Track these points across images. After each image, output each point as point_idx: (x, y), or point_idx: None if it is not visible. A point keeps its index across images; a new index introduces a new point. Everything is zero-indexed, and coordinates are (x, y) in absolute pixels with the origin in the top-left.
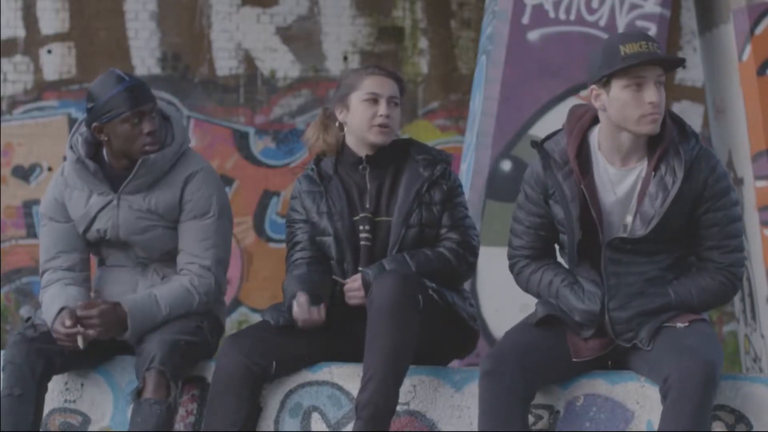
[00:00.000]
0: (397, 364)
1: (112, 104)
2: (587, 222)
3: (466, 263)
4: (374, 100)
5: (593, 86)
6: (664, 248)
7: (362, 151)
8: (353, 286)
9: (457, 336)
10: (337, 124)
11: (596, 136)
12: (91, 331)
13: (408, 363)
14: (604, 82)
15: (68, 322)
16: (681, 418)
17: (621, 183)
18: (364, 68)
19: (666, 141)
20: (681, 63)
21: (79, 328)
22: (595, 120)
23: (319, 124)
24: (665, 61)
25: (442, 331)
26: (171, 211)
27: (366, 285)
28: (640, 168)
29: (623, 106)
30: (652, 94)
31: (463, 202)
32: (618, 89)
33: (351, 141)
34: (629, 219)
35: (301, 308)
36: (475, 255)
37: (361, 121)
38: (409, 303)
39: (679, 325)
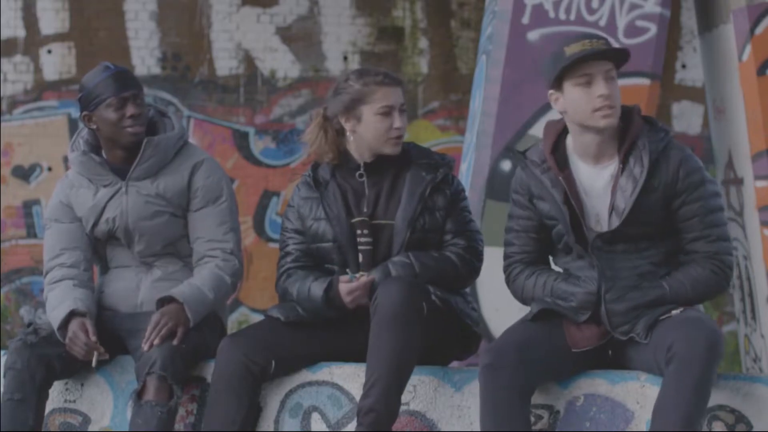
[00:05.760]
0: (401, 371)
1: (97, 91)
2: (571, 215)
3: (471, 268)
4: (388, 112)
5: (551, 91)
6: (651, 244)
7: (363, 158)
8: (351, 287)
9: (460, 340)
10: (344, 131)
11: (570, 140)
12: (108, 356)
13: (411, 370)
14: (557, 85)
15: (94, 337)
16: (684, 387)
17: (596, 181)
18: (372, 77)
19: (633, 135)
20: (625, 55)
21: (99, 346)
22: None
23: (318, 127)
24: (606, 55)
25: (445, 336)
26: (179, 197)
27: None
28: (612, 165)
29: (576, 104)
30: (600, 88)
31: (467, 206)
32: (570, 88)
33: (353, 147)
34: (606, 215)
35: (346, 283)
36: (481, 260)
37: (376, 134)
38: (413, 310)
39: (674, 312)
